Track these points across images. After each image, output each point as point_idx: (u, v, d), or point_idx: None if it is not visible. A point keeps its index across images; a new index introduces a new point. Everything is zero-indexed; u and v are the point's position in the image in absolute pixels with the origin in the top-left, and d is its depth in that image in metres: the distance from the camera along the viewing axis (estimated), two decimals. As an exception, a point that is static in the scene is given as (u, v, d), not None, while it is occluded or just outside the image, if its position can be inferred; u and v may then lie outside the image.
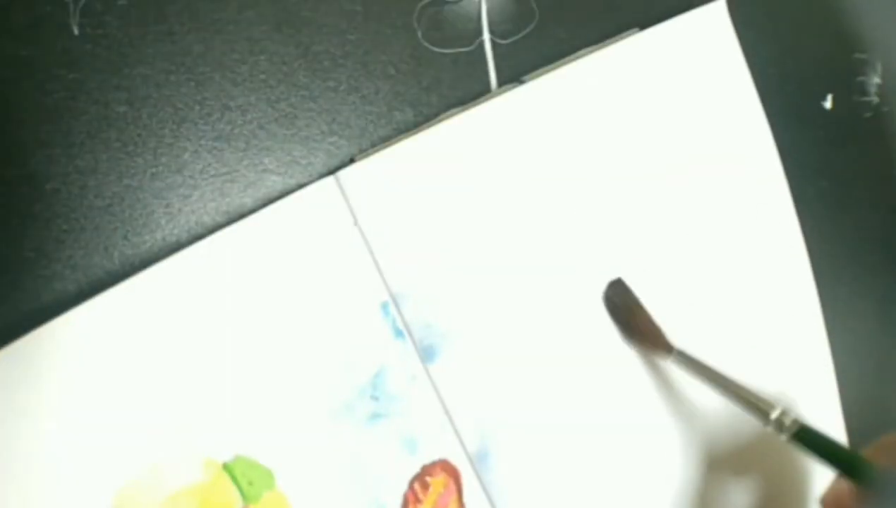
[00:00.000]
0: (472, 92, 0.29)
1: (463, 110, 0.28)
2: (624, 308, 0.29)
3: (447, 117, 0.28)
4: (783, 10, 0.34)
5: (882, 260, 0.37)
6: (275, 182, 0.26)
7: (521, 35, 0.29)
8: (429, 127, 0.28)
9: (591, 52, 0.30)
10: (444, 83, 0.28)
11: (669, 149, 0.31)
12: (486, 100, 0.28)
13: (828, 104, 0.35)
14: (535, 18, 0.30)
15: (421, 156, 0.27)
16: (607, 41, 0.30)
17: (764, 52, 0.33)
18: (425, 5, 0.28)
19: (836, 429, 0.35)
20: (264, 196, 0.26)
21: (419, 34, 0.28)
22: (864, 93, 0.35)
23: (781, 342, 0.33)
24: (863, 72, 0.35)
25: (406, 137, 0.27)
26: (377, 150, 0.27)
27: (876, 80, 0.35)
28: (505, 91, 0.29)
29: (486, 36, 0.29)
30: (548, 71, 0.29)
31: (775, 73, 0.33)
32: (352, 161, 0.27)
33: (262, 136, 0.26)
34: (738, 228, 0.32)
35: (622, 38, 0.30)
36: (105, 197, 0.24)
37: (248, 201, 0.26)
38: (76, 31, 0.24)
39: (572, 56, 0.30)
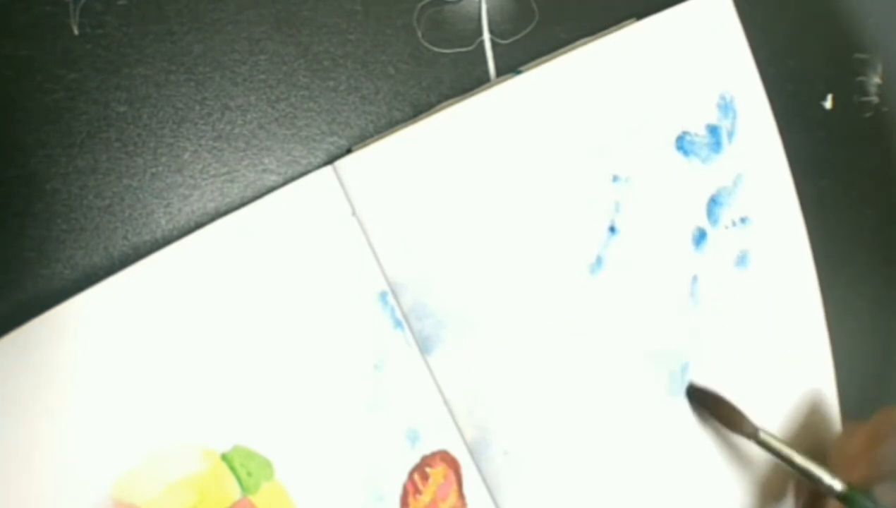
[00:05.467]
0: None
1: (460, 100, 0.28)
2: (710, 400, 0.32)
3: (444, 107, 0.28)
4: (783, 9, 0.34)
5: (881, 259, 0.37)
6: (275, 182, 0.26)
7: (521, 35, 0.29)
8: (426, 116, 0.28)
9: (590, 41, 0.30)
10: (444, 83, 0.28)
11: (670, 137, 0.31)
12: (483, 90, 0.28)
13: (828, 104, 0.35)
14: (535, 18, 0.30)
15: (418, 145, 0.27)
16: (606, 30, 0.30)
17: (764, 52, 0.33)
18: (425, 5, 0.28)
19: (834, 428, 0.35)
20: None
21: (419, 34, 0.28)
22: (864, 93, 0.35)
23: (783, 340, 0.33)
24: (863, 72, 0.35)
25: (403, 127, 0.27)
26: (375, 140, 0.27)
27: (876, 80, 0.35)
28: (502, 80, 0.29)
29: (486, 36, 0.29)
30: (545, 61, 0.29)
31: (775, 72, 0.33)
32: (349, 151, 0.27)
33: (262, 136, 0.26)
34: (739, 221, 0.32)
35: (621, 27, 0.30)
36: (105, 197, 0.24)
37: (249, 201, 0.26)
38: (76, 31, 0.24)
39: (570, 46, 0.30)
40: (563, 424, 0.29)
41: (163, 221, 0.25)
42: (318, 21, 0.27)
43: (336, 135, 0.27)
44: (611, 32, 0.30)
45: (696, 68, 0.31)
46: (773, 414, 0.33)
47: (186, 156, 0.25)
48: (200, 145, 0.25)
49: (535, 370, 0.29)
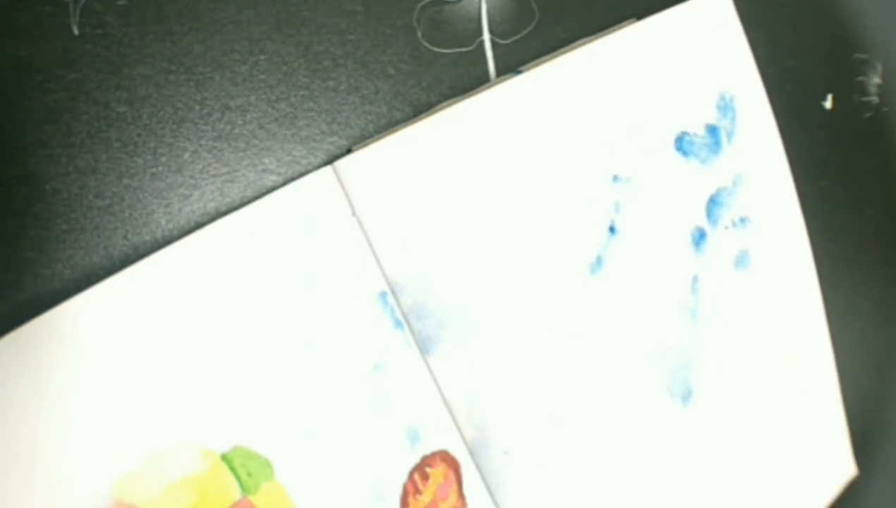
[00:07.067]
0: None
1: (460, 100, 0.28)
2: None
3: (444, 107, 0.28)
4: (783, 9, 0.34)
5: (881, 259, 0.37)
6: (275, 182, 0.26)
7: (521, 35, 0.29)
8: (426, 116, 0.28)
9: (590, 41, 0.30)
10: (444, 83, 0.28)
11: (669, 137, 0.31)
12: (483, 90, 0.28)
13: (828, 104, 0.35)
14: (535, 18, 0.30)
15: (418, 145, 0.27)
16: (606, 30, 0.30)
17: (763, 52, 0.33)
18: (425, 5, 0.28)
19: (837, 429, 0.35)
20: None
21: (419, 34, 0.28)
22: (864, 93, 0.35)
23: (783, 340, 0.33)
24: (863, 72, 0.35)
25: (403, 127, 0.27)
26: (375, 140, 0.27)
27: (876, 80, 0.36)
28: (502, 80, 0.29)
29: (486, 36, 0.29)
30: (545, 61, 0.29)
31: (775, 72, 0.33)
32: (349, 151, 0.27)
33: (262, 136, 0.26)
34: (738, 222, 0.32)
35: (621, 27, 0.30)
36: (105, 197, 0.24)
37: (249, 201, 0.26)
38: (76, 31, 0.24)
39: (570, 46, 0.30)
40: (564, 424, 0.29)
41: (163, 221, 0.25)
42: (318, 21, 0.27)
43: (336, 135, 0.27)
44: (611, 32, 0.30)
45: (696, 68, 0.31)
46: (773, 414, 0.33)
47: (186, 156, 0.25)
48: (200, 145, 0.25)
49: (536, 370, 0.29)
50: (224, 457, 0.24)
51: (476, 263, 0.28)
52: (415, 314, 0.27)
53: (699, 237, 0.31)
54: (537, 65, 0.29)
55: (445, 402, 0.27)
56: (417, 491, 0.27)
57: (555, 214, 0.29)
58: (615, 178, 0.30)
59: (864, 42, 0.35)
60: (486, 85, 0.29)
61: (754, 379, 0.33)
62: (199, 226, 0.25)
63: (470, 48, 0.29)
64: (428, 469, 0.27)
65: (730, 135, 0.32)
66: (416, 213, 0.27)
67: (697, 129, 0.31)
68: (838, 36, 0.35)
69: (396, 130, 0.27)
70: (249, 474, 0.24)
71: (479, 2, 0.29)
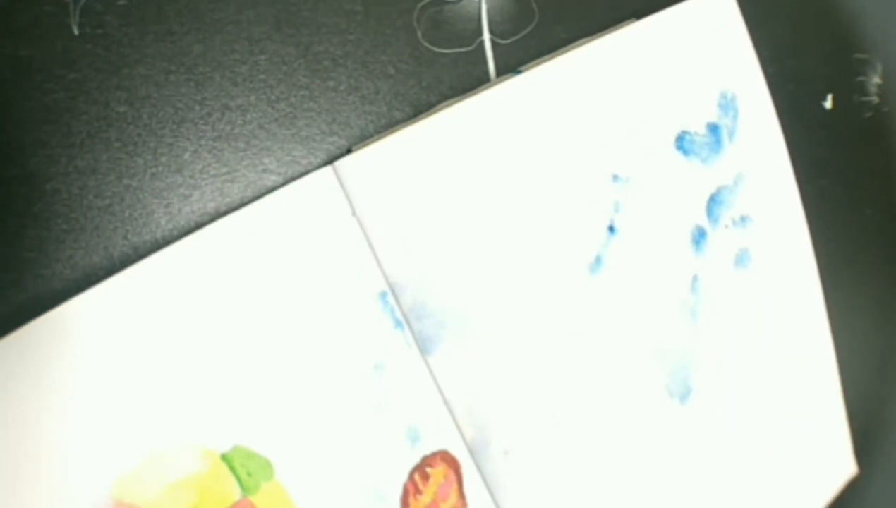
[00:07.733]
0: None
1: (460, 100, 0.28)
2: None
3: (444, 107, 0.28)
4: (784, 9, 0.34)
5: (882, 259, 0.37)
6: (275, 182, 0.26)
7: (521, 35, 0.29)
8: (426, 116, 0.28)
9: (590, 41, 0.30)
10: (444, 83, 0.28)
11: (670, 137, 0.31)
12: (483, 89, 0.28)
13: (828, 104, 0.35)
14: (535, 18, 0.30)
15: (418, 145, 0.27)
16: (606, 30, 0.30)
17: (764, 52, 0.33)
18: (425, 5, 0.28)
19: (838, 427, 0.35)
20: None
21: (419, 34, 0.28)
22: (864, 93, 0.35)
23: (784, 340, 0.33)
24: (863, 72, 0.35)
25: (403, 127, 0.27)
26: (375, 140, 0.27)
27: (876, 80, 0.36)
28: (502, 80, 0.29)
29: (486, 36, 0.29)
30: (545, 61, 0.29)
31: (775, 72, 0.33)
32: (349, 151, 0.27)
33: (262, 136, 0.26)
34: (739, 221, 0.32)
35: (621, 27, 0.30)
36: (105, 197, 0.24)
37: (249, 201, 0.26)
38: (76, 31, 0.24)
39: (570, 46, 0.30)
40: (564, 424, 0.29)
41: (163, 221, 0.25)
42: (318, 21, 0.27)
43: (336, 135, 0.27)
44: (611, 32, 0.30)
45: (697, 67, 0.31)
46: (773, 414, 0.33)
47: (186, 156, 0.25)
48: (200, 145, 0.25)
49: (536, 370, 0.29)
50: (224, 457, 0.24)
51: (476, 263, 0.28)
52: (415, 314, 0.27)
53: (699, 236, 0.31)
54: (537, 65, 0.29)
55: (445, 402, 0.27)
56: (418, 491, 0.27)
57: (555, 214, 0.29)
58: (615, 178, 0.30)
59: (864, 42, 0.35)
60: (486, 85, 0.29)
61: (754, 379, 0.33)
62: (199, 226, 0.25)
63: (470, 48, 0.29)
64: (428, 469, 0.27)
65: (731, 133, 0.32)
66: (416, 213, 0.27)
67: (698, 128, 0.31)
68: (838, 36, 0.35)
69: (396, 130, 0.27)
70: (249, 474, 0.24)
71: (479, 2, 0.29)
